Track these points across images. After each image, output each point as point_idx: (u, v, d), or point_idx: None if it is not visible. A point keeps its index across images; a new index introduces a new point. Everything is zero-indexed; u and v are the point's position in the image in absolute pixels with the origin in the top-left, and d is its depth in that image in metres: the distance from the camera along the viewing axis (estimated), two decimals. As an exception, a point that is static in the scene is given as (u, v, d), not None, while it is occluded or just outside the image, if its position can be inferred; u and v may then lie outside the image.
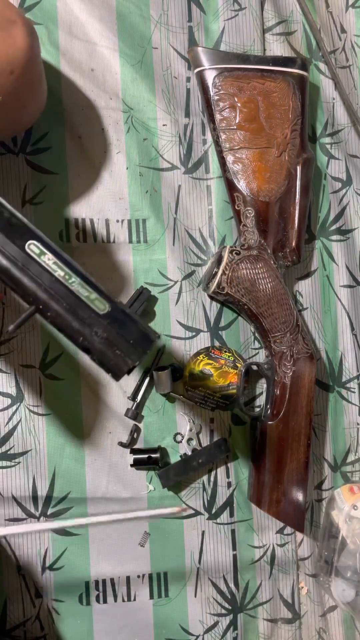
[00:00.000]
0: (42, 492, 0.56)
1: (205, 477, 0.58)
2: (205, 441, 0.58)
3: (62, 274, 0.36)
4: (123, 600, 0.57)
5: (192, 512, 0.58)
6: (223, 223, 0.59)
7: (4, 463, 0.55)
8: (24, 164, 0.56)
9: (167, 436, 0.58)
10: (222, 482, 0.59)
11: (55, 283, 0.36)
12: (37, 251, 0.36)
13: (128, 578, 0.57)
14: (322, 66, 0.62)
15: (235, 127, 0.56)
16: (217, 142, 0.56)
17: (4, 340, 0.56)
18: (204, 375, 0.56)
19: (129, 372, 0.37)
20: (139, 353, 0.36)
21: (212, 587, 0.58)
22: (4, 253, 0.35)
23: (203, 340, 0.59)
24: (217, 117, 0.56)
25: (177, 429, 0.58)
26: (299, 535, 0.60)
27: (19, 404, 0.56)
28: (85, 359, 0.57)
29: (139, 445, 0.57)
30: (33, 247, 0.36)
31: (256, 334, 0.60)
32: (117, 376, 0.36)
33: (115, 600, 0.57)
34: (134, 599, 0.57)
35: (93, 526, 0.34)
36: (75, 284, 0.36)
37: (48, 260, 0.36)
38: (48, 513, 0.56)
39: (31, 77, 0.48)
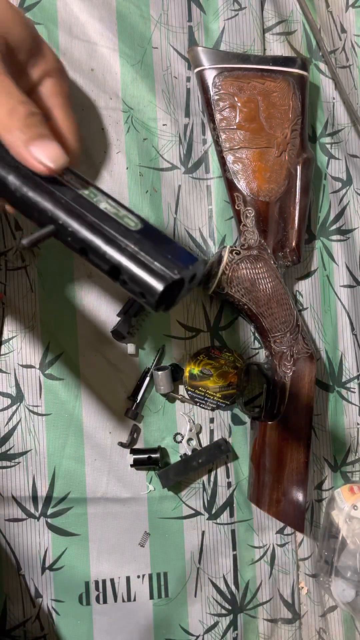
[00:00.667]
0: (42, 492, 0.56)
1: (205, 477, 0.58)
2: (205, 441, 0.58)
3: (86, 192, 0.31)
4: (123, 601, 0.57)
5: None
6: (223, 223, 0.59)
7: (4, 463, 0.55)
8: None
9: (167, 436, 0.58)
10: (222, 482, 0.59)
11: (78, 199, 0.30)
12: (66, 177, 0.31)
13: (128, 578, 0.57)
14: (322, 66, 0.62)
15: (235, 126, 0.56)
16: (217, 142, 0.56)
17: (4, 340, 0.56)
18: (204, 375, 0.56)
19: (165, 293, 0.29)
20: (180, 267, 0.29)
21: (212, 587, 0.58)
22: (19, 169, 0.30)
23: (203, 340, 0.59)
24: (217, 116, 0.56)
25: (177, 429, 0.58)
26: (299, 536, 0.60)
27: (18, 404, 0.56)
28: (85, 358, 0.57)
29: (139, 445, 0.57)
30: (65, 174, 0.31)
31: (256, 334, 0.60)
32: (152, 296, 0.29)
33: (115, 601, 0.57)
34: (134, 599, 0.57)
35: None
36: (102, 202, 0.31)
37: (70, 179, 0.31)
38: (48, 513, 0.56)
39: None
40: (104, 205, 0.31)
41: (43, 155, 0.29)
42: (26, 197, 0.30)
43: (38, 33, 0.31)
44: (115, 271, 0.30)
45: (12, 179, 0.30)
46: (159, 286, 0.29)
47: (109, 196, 0.31)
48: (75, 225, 0.30)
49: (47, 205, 0.30)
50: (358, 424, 0.62)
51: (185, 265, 0.30)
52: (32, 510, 0.55)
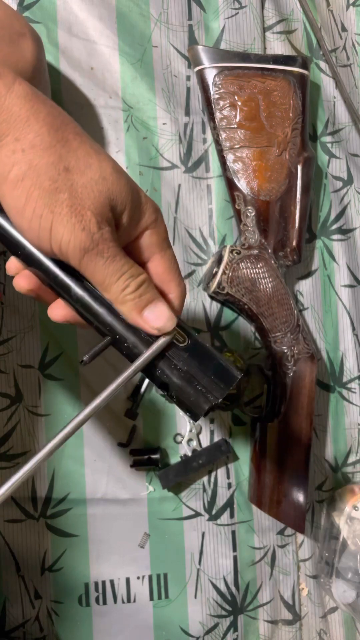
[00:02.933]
0: (42, 493, 0.55)
1: (205, 478, 0.58)
2: (205, 442, 0.58)
3: None
4: (123, 602, 0.56)
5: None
6: (223, 222, 0.59)
7: (3, 464, 0.55)
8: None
9: (167, 437, 0.58)
10: (223, 483, 0.58)
11: None
12: None
13: (128, 579, 0.57)
14: (322, 65, 0.62)
15: (235, 125, 0.55)
16: (217, 141, 0.56)
17: (3, 340, 0.55)
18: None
19: (208, 411, 0.33)
20: (221, 390, 0.33)
21: (213, 588, 0.58)
22: (81, 281, 0.32)
23: (203, 340, 0.58)
24: (218, 115, 0.55)
25: (177, 429, 0.58)
26: (300, 537, 0.60)
27: (18, 404, 0.55)
28: (84, 353, 0.56)
29: (138, 445, 0.57)
30: None
31: (256, 334, 0.59)
32: (196, 416, 0.33)
33: (115, 602, 0.56)
34: (134, 601, 0.57)
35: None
36: None
37: None
38: (47, 514, 0.55)
39: (38, 88, 0.47)
40: None
41: (155, 321, 0.32)
42: (88, 307, 0.32)
43: (138, 191, 0.32)
44: (165, 386, 0.33)
45: (75, 289, 0.32)
46: (204, 407, 0.32)
47: None
48: (131, 340, 0.32)
49: (107, 318, 0.32)
50: (359, 424, 0.62)
51: (227, 386, 0.33)
52: (32, 511, 0.55)
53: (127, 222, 0.31)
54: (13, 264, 0.34)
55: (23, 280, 0.34)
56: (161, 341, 0.33)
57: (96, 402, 0.32)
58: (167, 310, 0.32)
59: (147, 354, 0.32)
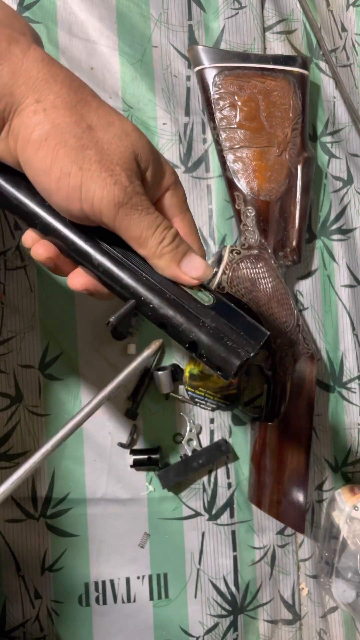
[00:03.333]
0: (42, 492, 0.55)
1: (205, 478, 0.58)
2: (205, 442, 0.58)
3: None
4: (123, 602, 0.56)
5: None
6: (223, 222, 0.59)
7: (3, 464, 0.55)
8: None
9: (167, 437, 0.58)
10: (223, 482, 0.58)
11: (155, 274, 0.32)
12: None
13: (128, 579, 0.57)
14: (322, 65, 0.62)
15: (235, 125, 0.55)
16: (217, 141, 0.56)
17: (3, 340, 0.55)
18: (204, 376, 0.56)
19: (240, 368, 0.32)
20: (252, 345, 0.32)
21: (213, 588, 0.58)
22: (100, 247, 0.32)
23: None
24: (217, 115, 0.55)
25: (177, 429, 0.58)
26: (300, 536, 0.60)
27: (18, 404, 0.55)
28: (84, 358, 0.56)
29: (139, 445, 0.57)
30: None
31: (256, 334, 0.59)
32: (226, 373, 0.32)
33: (115, 602, 0.56)
34: (134, 600, 0.57)
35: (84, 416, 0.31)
36: None
37: None
38: (47, 514, 0.55)
39: None
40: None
41: (193, 271, 0.32)
42: (109, 273, 0.32)
43: (157, 151, 0.32)
44: (194, 346, 0.32)
45: (95, 256, 0.32)
46: (235, 362, 0.31)
47: None
48: (156, 301, 0.32)
49: (130, 281, 0.32)
50: (359, 424, 0.62)
51: (257, 342, 0.32)
52: (32, 511, 0.55)
53: (151, 179, 0.31)
54: (29, 236, 0.34)
55: (42, 248, 0.33)
56: (158, 343, 0.33)
57: (101, 395, 0.32)
58: (203, 260, 0.32)
59: (144, 354, 0.33)
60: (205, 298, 0.33)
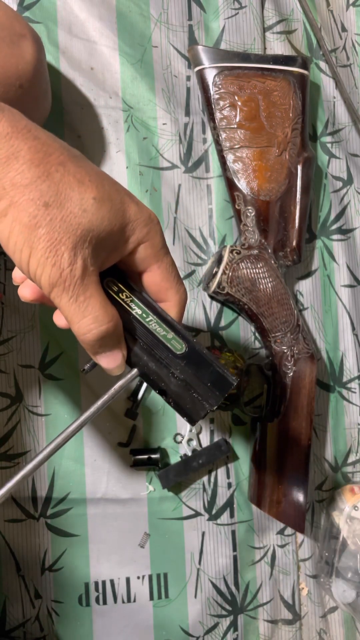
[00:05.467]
0: (42, 492, 0.55)
1: (205, 478, 0.58)
2: (205, 442, 0.58)
3: (139, 312, 0.34)
4: (123, 602, 0.56)
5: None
6: (223, 222, 0.59)
7: (4, 464, 0.55)
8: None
9: (167, 436, 0.58)
10: (223, 482, 0.58)
11: (132, 321, 0.34)
12: (115, 288, 0.34)
13: (128, 579, 0.57)
14: (322, 65, 0.62)
15: (235, 125, 0.55)
16: (217, 141, 0.56)
17: (3, 340, 0.55)
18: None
19: (204, 416, 0.35)
20: (216, 397, 0.34)
21: (213, 588, 0.58)
22: None
23: (203, 340, 0.59)
24: (218, 115, 0.55)
25: (177, 429, 0.58)
26: (300, 536, 0.60)
27: (18, 404, 0.55)
28: (84, 358, 0.56)
29: (138, 445, 0.57)
30: (111, 284, 0.34)
31: (256, 334, 0.59)
32: (192, 420, 0.34)
33: (115, 602, 0.56)
34: (134, 600, 0.57)
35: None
36: (153, 323, 0.34)
37: (126, 298, 0.34)
38: (47, 514, 0.55)
39: (38, 89, 0.48)
40: (154, 326, 0.34)
41: (104, 363, 0.33)
42: None
43: (125, 210, 0.31)
44: (163, 393, 0.34)
45: None
46: (199, 414, 0.34)
47: (159, 313, 0.35)
48: (131, 347, 0.34)
49: None
50: (359, 424, 0.62)
51: (222, 393, 0.34)
52: (32, 510, 0.55)
53: (112, 246, 0.31)
54: (18, 274, 0.35)
55: (27, 290, 0.35)
56: (134, 372, 0.34)
57: (70, 429, 0.33)
58: (120, 361, 0.33)
59: (117, 385, 0.34)
60: (178, 346, 0.34)
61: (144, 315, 0.34)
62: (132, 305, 0.34)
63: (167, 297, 0.35)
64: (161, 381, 0.34)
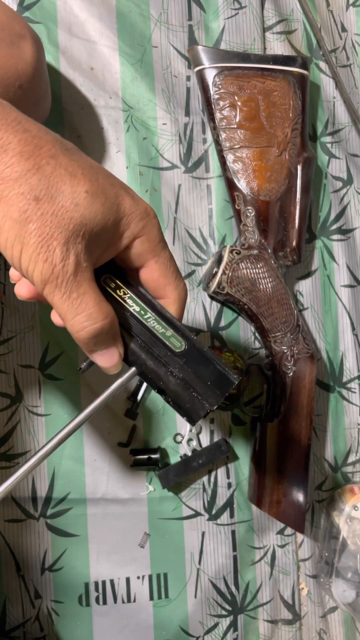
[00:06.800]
0: (42, 492, 0.55)
1: (205, 478, 0.58)
2: (205, 442, 0.58)
3: (137, 309, 0.33)
4: (123, 602, 0.56)
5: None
6: (223, 222, 0.59)
7: (3, 464, 0.55)
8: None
9: (167, 436, 0.58)
10: (223, 482, 0.58)
11: (130, 319, 0.33)
12: (113, 285, 0.33)
13: (128, 579, 0.57)
14: (322, 65, 0.62)
15: (235, 126, 0.55)
16: (217, 141, 0.56)
17: (3, 340, 0.55)
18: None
19: (204, 416, 0.34)
20: (217, 396, 0.33)
21: (213, 588, 0.58)
22: None
23: (203, 340, 0.59)
24: (217, 115, 0.55)
25: (177, 429, 0.58)
26: (300, 536, 0.60)
27: (18, 404, 0.55)
28: (83, 357, 0.56)
29: (138, 445, 0.57)
30: (108, 280, 0.33)
31: (256, 334, 0.59)
32: (192, 420, 0.33)
33: (115, 602, 0.56)
34: (134, 600, 0.57)
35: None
36: (151, 320, 0.33)
37: (123, 294, 0.33)
38: (47, 514, 0.55)
39: (38, 90, 0.48)
40: (152, 323, 0.33)
41: (100, 362, 0.32)
42: None
43: (119, 204, 0.30)
44: (162, 392, 0.34)
45: None
46: (198, 414, 0.33)
47: (158, 310, 0.34)
48: (129, 345, 0.33)
49: None
50: (359, 424, 0.62)
51: (222, 392, 0.33)
52: (32, 510, 0.55)
53: (107, 241, 0.30)
54: (14, 272, 0.35)
55: (23, 288, 0.35)
56: (131, 371, 0.34)
57: (67, 429, 0.33)
58: (117, 359, 0.32)
59: (115, 385, 0.33)
60: (177, 344, 0.33)
61: (142, 312, 0.33)
62: (130, 302, 0.33)
63: (166, 294, 0.34)
64: (160, 380, 0.33)
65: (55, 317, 0.35)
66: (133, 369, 0.33)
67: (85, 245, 0.29)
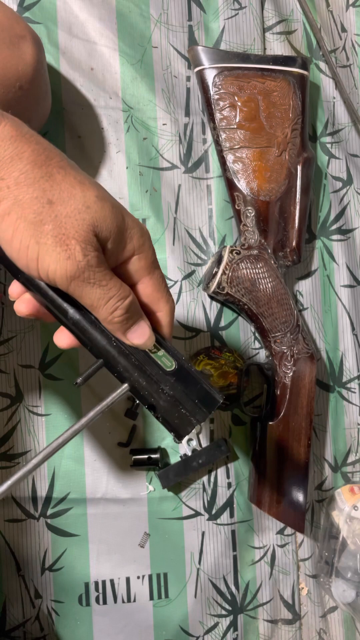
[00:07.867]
0: (42, 492, 0.55)
1: (205, 478, 0.58)
2: (205, 441, 0.58)
3: None
4: (123, 601, 0.57)
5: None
6: (223, 223, 0.59)
7: (4, 464, 0.55)
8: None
9: (167, 436, 0.58)
10: (222, 482, 0.58)
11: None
12: None
13: (128, 579, 0.57)
14: (322, 65, 0.62)
15: (235, 126, 0.55)
16: (217, 142, 0.56)
17: (3, 340, 0.56)
18: (204, 376, 0.56)
19: (190, 432, 0.36)
20: (204, 413, 0.36)
21: (213, 587, 0.58)
22: (77, 306, 0.34)
23: (203, 340, 0.59)
24: (217, 116, 0.55)
25: (177, 429, 0.58)
26: (299, 536, 0.60)
27: (18, 404, 0.55)
28: (84, 358, 0.56)
29: (138, 445, 0.57)
30: None
31: (256, 334, 0.59)
32: (180, 436, 0.36)
33: (115, 601, 0.56)
34: (134, 600, 0.57)
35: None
36: None
37: None
38: (48, 514, 0.55)
39: (38, 90, 0.48)
40: None
41: (136, 340, 0.34)
42: (84, 330, 0.35)
43: (124, 218, 0.33)
44: (152, 408, 0.35)
45: (72, 313, 0.34)
46: (186, 430, 0.36)
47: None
48: (122, 365, 0.35)
49: (101, 344, 0.35)
50: (358, 424, 0.62)
51: (209, 410, 0.36)
52: (32, 510, 0.55)
53: (113, 248, 0.32)
54: (15, 289, 0.36)
55: (23, 305, 0.36)
56: (124, 386, 0.35)
57: (59, 440, 0.34)
58: (149, 330, 0.34)
59: (107, 400, 0.35)
60: (168, 363, 0.36)
61: None
62: None
63: (158, 308, 0.36)
64: (151, 397, 0.35)
65: (58, 339, 0.36)
66: (126, 385, 0.35)
67: (99, 244, 0.31)
